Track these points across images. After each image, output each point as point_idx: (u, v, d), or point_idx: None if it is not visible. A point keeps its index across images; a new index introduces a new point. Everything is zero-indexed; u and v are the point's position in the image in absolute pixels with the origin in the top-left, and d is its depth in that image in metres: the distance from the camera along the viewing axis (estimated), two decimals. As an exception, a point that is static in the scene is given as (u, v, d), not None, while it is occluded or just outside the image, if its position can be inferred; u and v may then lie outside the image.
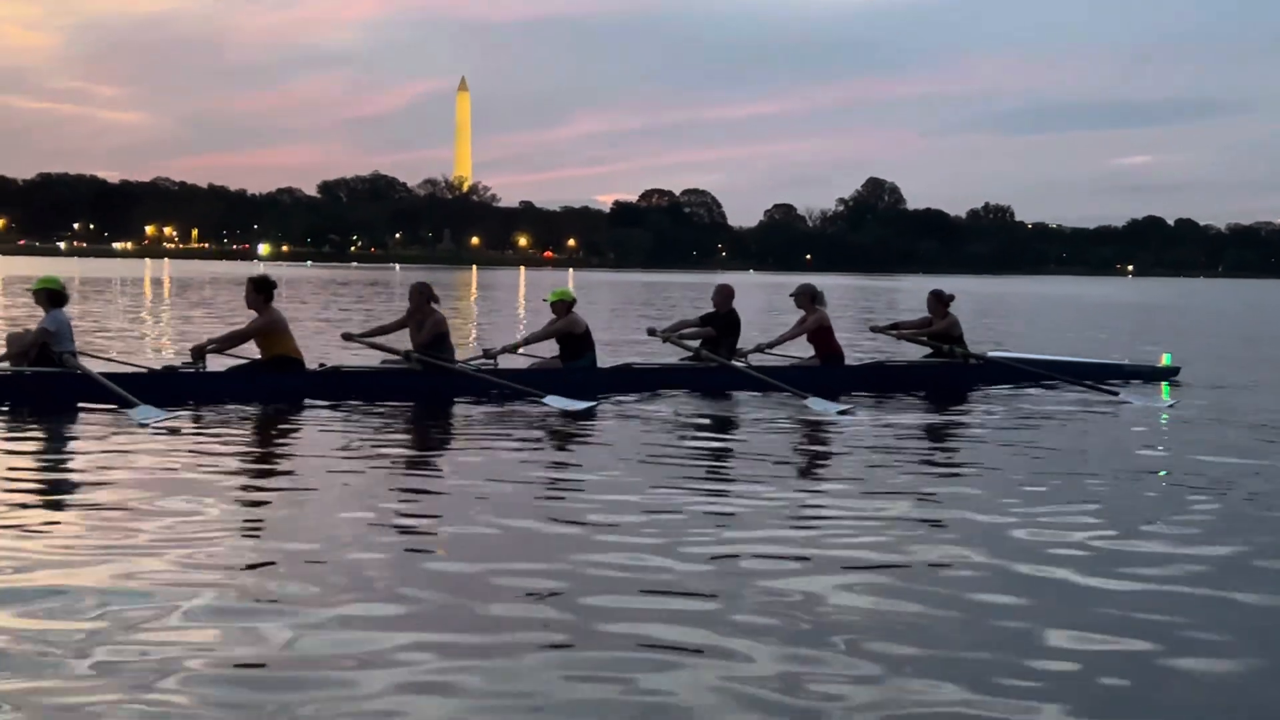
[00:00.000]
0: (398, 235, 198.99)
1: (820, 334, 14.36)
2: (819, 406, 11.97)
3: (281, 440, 10.02)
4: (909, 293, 67.30)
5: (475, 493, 7.71)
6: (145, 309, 31.46)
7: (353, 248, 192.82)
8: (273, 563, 5.91)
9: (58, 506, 7.21)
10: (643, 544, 6.38)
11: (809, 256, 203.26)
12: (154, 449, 9.02)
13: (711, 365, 13.54)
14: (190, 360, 12.10)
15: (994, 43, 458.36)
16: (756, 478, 8.42)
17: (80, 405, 10.83)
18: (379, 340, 12.97)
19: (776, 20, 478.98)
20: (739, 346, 14.42)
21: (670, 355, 14.66)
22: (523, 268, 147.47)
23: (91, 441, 9.34)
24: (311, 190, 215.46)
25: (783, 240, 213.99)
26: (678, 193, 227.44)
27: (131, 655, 4.56)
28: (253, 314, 12.39)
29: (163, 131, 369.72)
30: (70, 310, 12.01)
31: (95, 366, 11.66)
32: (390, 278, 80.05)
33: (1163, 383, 15.03)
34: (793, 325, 14.64)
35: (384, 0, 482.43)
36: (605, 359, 14.03)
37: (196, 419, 10.61)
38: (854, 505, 7.53)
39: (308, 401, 11.69)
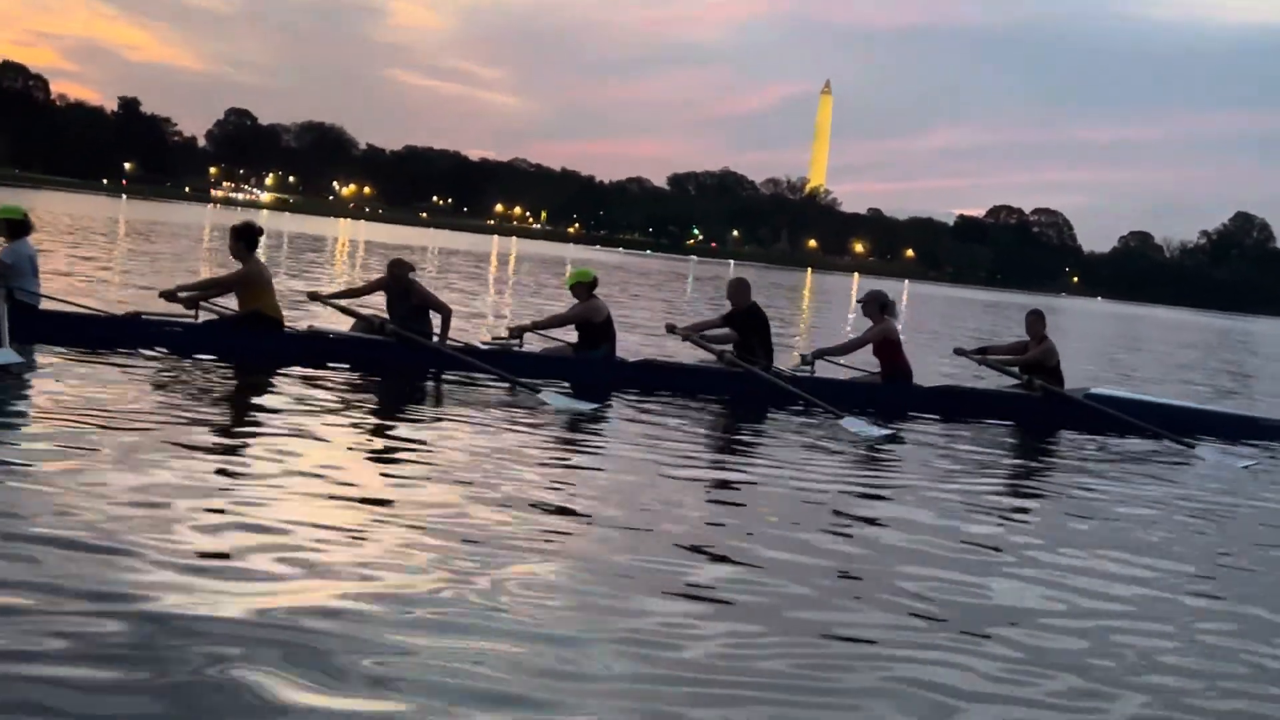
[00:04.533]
0: (735, 233, 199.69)
1: (885, 347, 12.58)
2: (855, 428, 10.52)
3: (244, 403, 9.30)
4: (1263, 336, 61.34)
5: (449, 479, 7.07)
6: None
7: (691, 241, 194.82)
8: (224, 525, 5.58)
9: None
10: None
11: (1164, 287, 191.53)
12: (91, 398, 8.37)
13: (737, 371, 11.99)
14: (181, 305, 11.43)
15: None
16: (765, 503, 7.47)
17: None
18: (351, 304, 12.13)
19: (1163, 43, 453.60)
20: (803, 353, 12.88)
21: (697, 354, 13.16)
22: (856, 274, 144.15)
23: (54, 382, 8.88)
24: (661, 182, 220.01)
25: (1136, 269, 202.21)
26: (1028, 211, 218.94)
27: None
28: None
29: (530, 115, 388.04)
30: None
31: (58, 308, 11.28)
32: (725, 273, 79.47)
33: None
34: (861, 333, 12.93)
35: (756, 1, 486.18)
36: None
37: (158, 370, 10.02)
38: (853, 543, 6.62)
39: (280, 365, 10.92)
